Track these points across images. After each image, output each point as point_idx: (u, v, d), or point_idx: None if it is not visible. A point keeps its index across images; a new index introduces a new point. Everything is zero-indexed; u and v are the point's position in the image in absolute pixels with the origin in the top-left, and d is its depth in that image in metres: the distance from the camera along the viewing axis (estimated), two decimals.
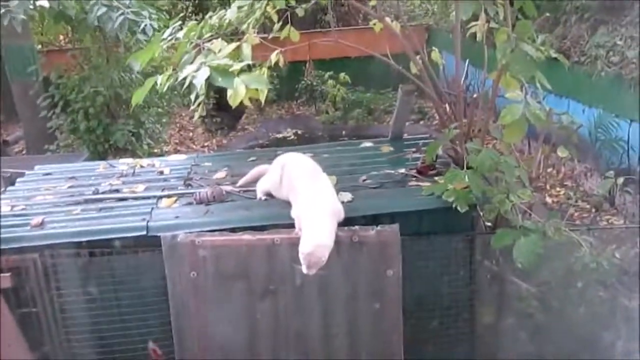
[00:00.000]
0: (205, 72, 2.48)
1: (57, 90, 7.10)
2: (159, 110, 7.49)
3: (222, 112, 9.82)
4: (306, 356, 2.92)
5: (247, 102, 2.54)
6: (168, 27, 3.10)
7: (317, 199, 2.73)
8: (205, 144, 9.95)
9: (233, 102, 2.49)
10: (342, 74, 10.93)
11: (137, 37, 6.23)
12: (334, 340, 2.90)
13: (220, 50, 2.73)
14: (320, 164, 2.98)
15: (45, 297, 2.89)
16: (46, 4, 6.03)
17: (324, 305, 2.84)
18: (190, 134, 10.34)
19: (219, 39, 2.87)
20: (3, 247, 2.82)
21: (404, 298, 2.83)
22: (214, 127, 10.19)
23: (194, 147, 9.72)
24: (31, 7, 6.00)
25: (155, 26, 6.06)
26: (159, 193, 3.20)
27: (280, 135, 10.94)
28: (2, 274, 2.80)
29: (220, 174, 3.45)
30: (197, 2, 12.03)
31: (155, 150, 7.43)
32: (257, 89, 2.51)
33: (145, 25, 6.01)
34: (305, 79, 11.29)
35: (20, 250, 2.83)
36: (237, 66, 2.54)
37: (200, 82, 2.47)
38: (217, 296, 2.82)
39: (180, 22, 3.12)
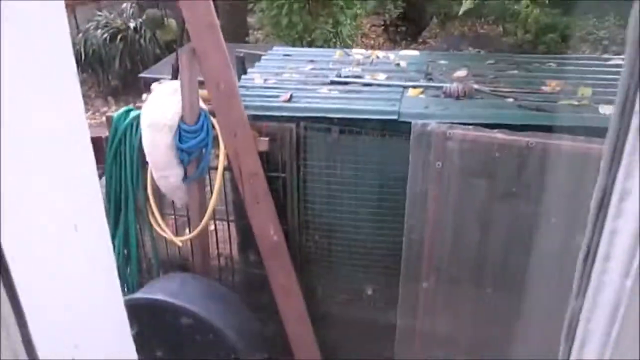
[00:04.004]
0: None
1: None
2: (357, 11, 7.48)
3: (407, 22, 9.62)
4: (532, 269, 2.88)
5: None
6: None
7: None
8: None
9: None
10: None
11: None
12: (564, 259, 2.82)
13: None
14: None
15: (293, 165, 3.13)
16: None
17: (563, 223, 2.75)
18: (372, 41, 10.28)
19: None
20: (262, 113, 3.07)
21: None
22: (397, 36, 10.03)
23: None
24: None
25: None
26: (403, 82, 3.23)
27: (459, 53, 10.47)
28: (261, 138, 3.07)
29: (461, 73, 3.38)
30: None
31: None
32: None
33: None
34: None
35: (277, 119, 3.06)
36: None
37: None
38: (457, 190, 2.84)
39: None
